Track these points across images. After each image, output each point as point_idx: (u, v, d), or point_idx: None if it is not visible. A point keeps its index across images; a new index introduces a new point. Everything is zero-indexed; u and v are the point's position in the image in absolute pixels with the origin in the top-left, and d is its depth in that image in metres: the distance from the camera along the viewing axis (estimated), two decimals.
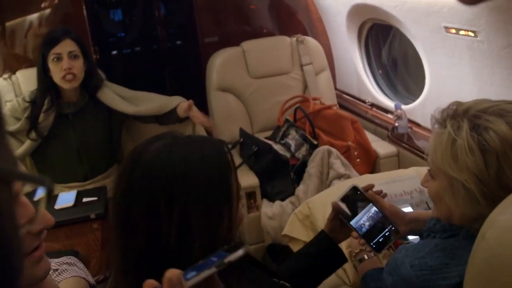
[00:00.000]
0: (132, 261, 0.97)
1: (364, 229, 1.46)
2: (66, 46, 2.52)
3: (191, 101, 2.64)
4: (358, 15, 3.28)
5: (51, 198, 2.38)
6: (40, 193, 0.62)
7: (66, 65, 2.50)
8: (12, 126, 2.56)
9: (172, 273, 0.76)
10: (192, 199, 0.96)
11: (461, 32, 2.40)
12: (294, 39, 3.51)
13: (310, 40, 3.57)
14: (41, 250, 0.86)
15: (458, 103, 1.27)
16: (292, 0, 3.83)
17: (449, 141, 1.22)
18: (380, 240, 1.46)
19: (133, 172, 0.99)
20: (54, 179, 2.63)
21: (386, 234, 1.47)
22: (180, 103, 2.66)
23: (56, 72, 2.52)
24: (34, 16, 3.34)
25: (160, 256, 0.94)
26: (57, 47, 2.51)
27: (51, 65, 2.52)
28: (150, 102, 2.72)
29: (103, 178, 2.73)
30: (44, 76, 2.56)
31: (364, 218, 1.46)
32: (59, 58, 2.51)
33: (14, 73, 2.97)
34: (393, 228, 1.47)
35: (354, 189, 1.50)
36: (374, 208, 1.47)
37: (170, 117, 2.70)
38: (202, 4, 3.77)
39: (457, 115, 1.24)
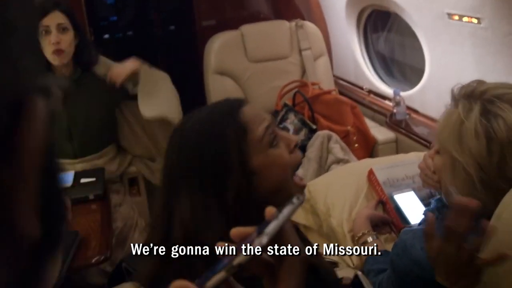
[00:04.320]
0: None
1: None
2: (55, 19, 2.43)
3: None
4: (358, 1, 3.26)
5: None
6: None
7: (55, 38, 2.42)
8: None
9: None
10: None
11: (464, 19, 2.39)
12: (293, 23, 3.50)
13: (309, 25, 3.56)
14: None
15: (479, 82, 1.26)
16: None
17: (457, 122, 1.22)
18: None
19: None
20: None
21: None
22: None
23: (45, 46, 2.43)
24: None
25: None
26: (46, 19, 2.41)
27: (40, 39, 2.46)
28: None
29: (95, 158, 2.66)
30: None
31: None
32: (47, 31, 2.42)
33: None
34: None
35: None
36: None
37: None
38: None
39: (472, 96, 1.23)
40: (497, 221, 1.08)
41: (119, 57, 5.26)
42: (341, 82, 3.75)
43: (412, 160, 2.13)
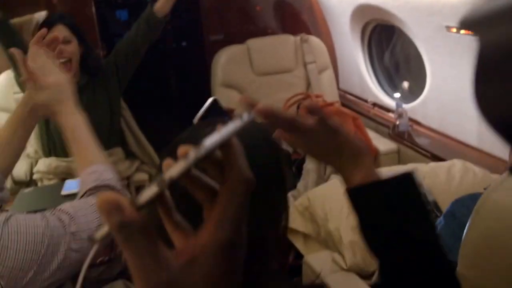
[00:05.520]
0: None
1: None
2: (58, 32, 2.57)
3: None
4: (362, 15, 3.32)
5: (58, 184, 2.44)
6: None
7: (58, 49, 2.58)
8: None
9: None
10: None
11: (462, 31, 2.44)
12: (298, 38, 3.57)
13: (314, 39, 3.63)
14: None
15: None
16: (296, 0, 3.88)
17: None
18: None
19: None
20: (55, 153, 2.75)
21: None
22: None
23: None
24: (42, 14, 3.38)
25: None
26: (50, 33, 2.58)
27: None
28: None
29: None
30: None
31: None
32: None
33: None
34: None
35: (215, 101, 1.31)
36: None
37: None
38: (208, 4, 3.83)
39: None
40: (476, 216, 1.14)
41: (134, 72, 5.38)
42: (347, 95, 3.80)
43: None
